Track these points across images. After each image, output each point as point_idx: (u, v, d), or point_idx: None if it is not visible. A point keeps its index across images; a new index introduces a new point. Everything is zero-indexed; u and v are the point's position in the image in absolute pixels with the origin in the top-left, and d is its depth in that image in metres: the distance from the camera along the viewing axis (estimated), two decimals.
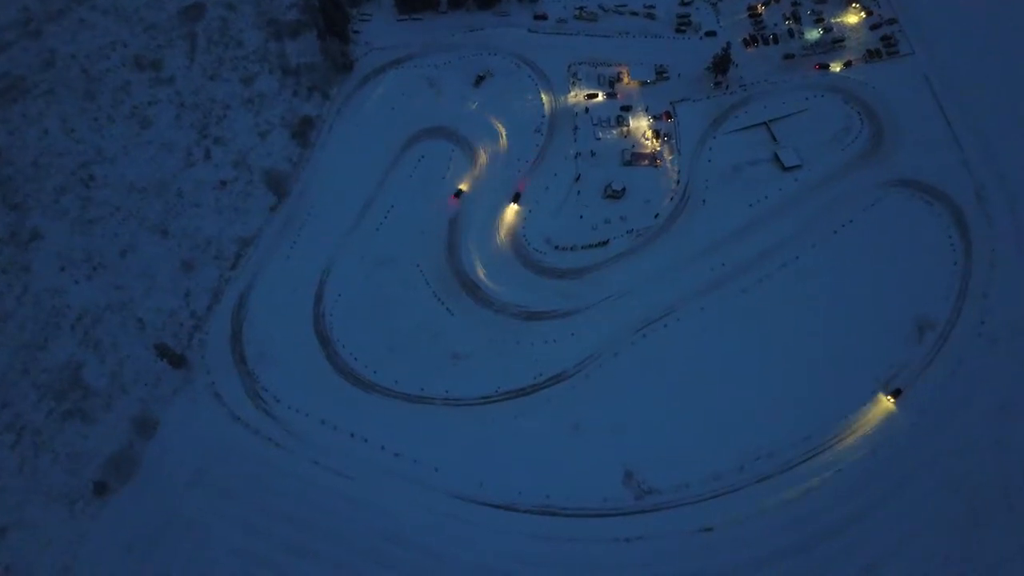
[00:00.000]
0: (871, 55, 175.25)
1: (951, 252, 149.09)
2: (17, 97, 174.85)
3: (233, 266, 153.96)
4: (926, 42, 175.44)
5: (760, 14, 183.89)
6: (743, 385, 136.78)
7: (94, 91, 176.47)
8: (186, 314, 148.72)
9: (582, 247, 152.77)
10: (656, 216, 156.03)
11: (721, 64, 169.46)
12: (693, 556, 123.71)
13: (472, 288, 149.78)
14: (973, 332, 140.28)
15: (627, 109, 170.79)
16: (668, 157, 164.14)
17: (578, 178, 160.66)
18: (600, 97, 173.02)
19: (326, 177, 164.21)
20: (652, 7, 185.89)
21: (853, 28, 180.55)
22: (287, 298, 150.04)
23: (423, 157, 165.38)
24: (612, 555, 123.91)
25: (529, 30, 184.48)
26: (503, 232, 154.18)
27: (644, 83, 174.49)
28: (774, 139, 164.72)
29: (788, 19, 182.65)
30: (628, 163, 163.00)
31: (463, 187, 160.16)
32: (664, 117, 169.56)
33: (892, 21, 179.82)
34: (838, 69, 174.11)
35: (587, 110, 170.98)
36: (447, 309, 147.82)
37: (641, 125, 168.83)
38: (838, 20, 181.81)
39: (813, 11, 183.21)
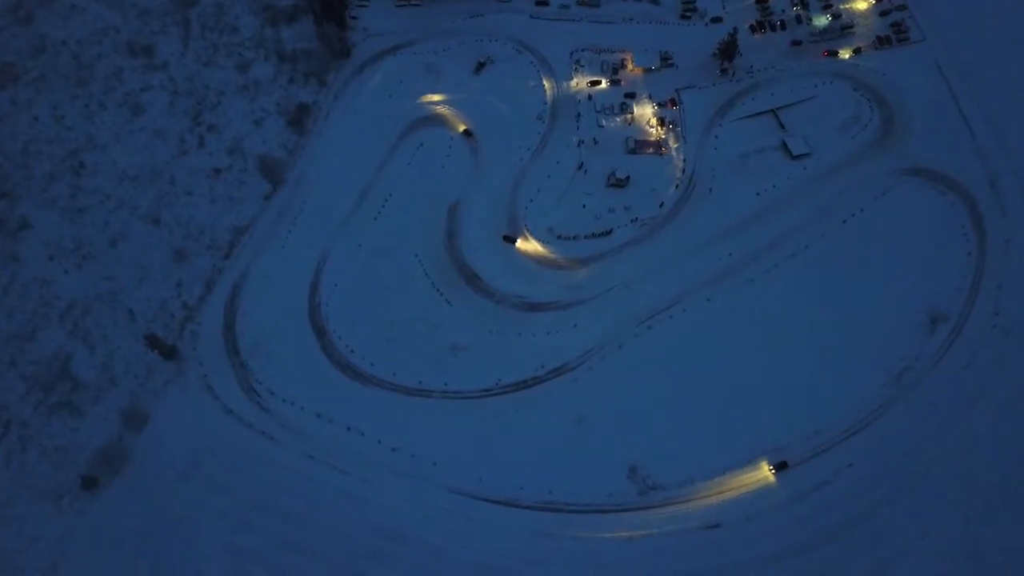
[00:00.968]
0: (881, 42, 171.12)
1: (964, 242, 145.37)
2: (7, 84, 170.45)
3: (227, 255, 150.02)
4: (937, 28, 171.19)
5: (767, 0, 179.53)
6: (751, 378, 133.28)
7: (85, 78, 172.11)
8: (178, 305, 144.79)
9: (585, 236, 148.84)
10: (661, 205, 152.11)
11: (727, 50, 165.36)
12: (699, 554, 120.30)
13: (472, 278, 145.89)
14: (987, 324, 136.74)
15: (631, 96, 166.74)
16: (673, 145, 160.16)
17: (581, 166, 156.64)
18: (603, 84, 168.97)
19: (322, 165, 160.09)
20: None
21: (862, 14, 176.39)
22: (282, 288, 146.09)
23: (422, 145, 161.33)
24: (616, 552, 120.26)
25: (531, 16, 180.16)
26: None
27: (648, 70, 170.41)
28: (782, 127, 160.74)
29: (796, 5, 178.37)
30: (632, 151, 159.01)
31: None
32: (669, 104, 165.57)
33: (902, 7, 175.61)
34: (847, 56, 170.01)
35: (590, 97, 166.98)
36: (446, 300, 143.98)
37: (646, 112, 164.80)
38: (847, 6, 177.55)
39: None
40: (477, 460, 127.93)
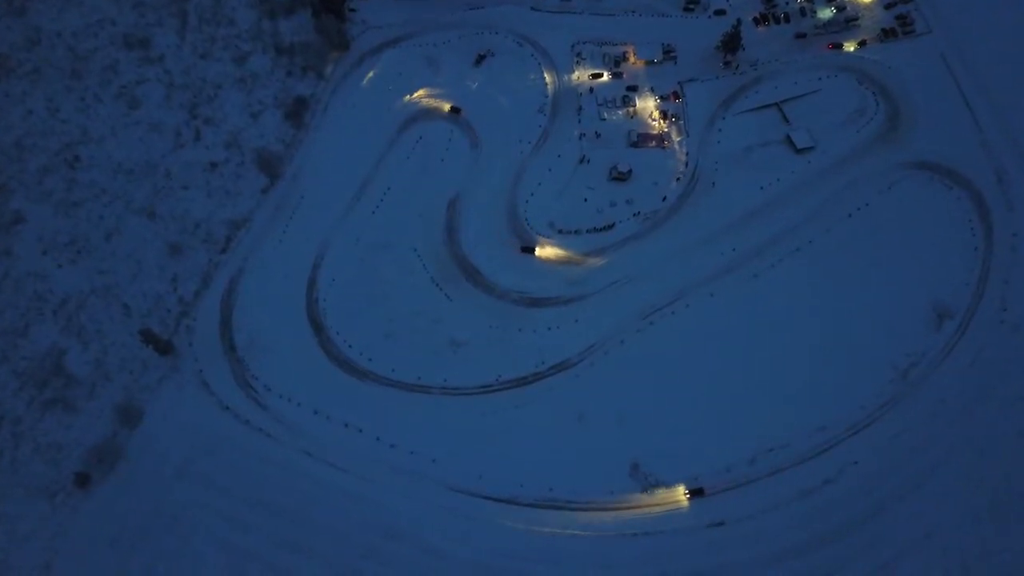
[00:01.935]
0: (886, 34, 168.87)
1: (971, 237, 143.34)
2: (0, 76, 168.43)
3: (223, 250, 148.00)
4: (943, 21, 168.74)
5: None
6: (755, 374, 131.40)
7: (81, 70, 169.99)
8: (173, 299, 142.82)
9: (587, 231, 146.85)
10: (664, 199, 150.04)
11: (731, 43, 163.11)
12: (703, 552, 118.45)
13: (472, 273, 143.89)
14: (994, 320, 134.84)
15: (633, 89, 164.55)
16: (676, 138, 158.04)
17: (583, 159, 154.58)
18: (605, 77, 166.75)
19: (321, 159, 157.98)
20: None
21: (867, 7, 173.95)
22: (279, 283, 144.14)
23: (421, 138, 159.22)
24: (618, 551, 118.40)
25: (532, 8, 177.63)
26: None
27: (651, 63, 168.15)
28: (786, 120, 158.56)
29: None
30: (635, 144, 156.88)
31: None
32: (672, 97, 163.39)
33: (907, 0, 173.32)
34: (852, 49, 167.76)
35: (592, 90, 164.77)
36: (445, 295, 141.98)
37: (648, 106, 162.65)
38: None
39: None
40: (477, 457, 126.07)
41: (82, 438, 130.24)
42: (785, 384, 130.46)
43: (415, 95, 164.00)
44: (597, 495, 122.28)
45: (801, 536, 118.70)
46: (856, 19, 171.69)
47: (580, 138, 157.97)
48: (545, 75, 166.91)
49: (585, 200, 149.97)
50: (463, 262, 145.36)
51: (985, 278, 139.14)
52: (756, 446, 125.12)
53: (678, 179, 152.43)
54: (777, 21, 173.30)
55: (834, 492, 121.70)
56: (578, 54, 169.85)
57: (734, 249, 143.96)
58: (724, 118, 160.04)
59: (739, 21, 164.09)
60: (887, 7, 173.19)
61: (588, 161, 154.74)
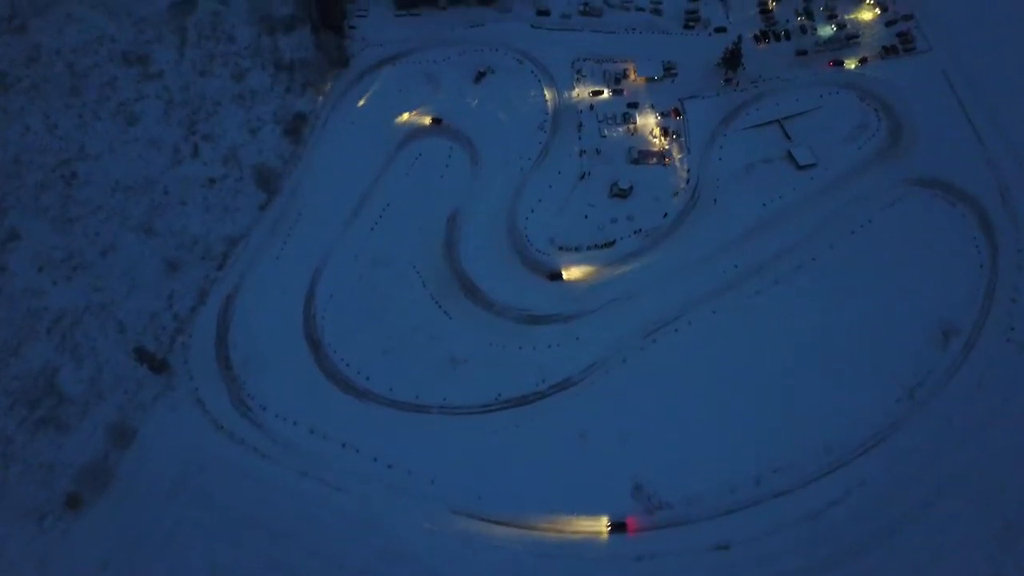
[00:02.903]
0: (887, 52, 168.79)
1: (976, 255, 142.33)
2: None
3: (220, 266, 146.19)
4: (944, 38, 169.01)
5: (771, 10, 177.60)
6: (759, 392, 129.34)
7: (79, 87, 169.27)
8: (168, 316, 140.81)
9: (587, 248, 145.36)
10: (665, 216, 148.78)
11: (732, 60, 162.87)
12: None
13: (471, 290, 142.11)
14: (1001, 338, 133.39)
15: (634, 106, 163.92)
16: (677, 155, 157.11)
17: (583, 176, 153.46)
18: (606, 94, 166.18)
19: (319, 174, 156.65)
20: (659, 3, 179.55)
21: (867, 25, 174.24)
22: (276, 300, 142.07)
23: (420, 155, 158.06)
24: (621, 575, 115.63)
25: (532, 26, 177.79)
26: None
27: (651, 79, 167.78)
28: (787, 137, 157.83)
29: (800, 15, 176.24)
30: (635, 161, 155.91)
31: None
32: (672, 114, 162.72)
33: (908, 17, 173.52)
34: (853, 66, 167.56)
35: (592, 107, 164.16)
36: (444, 312, 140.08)
37: (649, 122, 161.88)
38: (852, 16, 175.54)
39: (826, 7, 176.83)
40: (477, 478, 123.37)
41: (74, 458, 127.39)
42: (789, 403, 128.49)
43: (408, 116, 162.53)
44: (599, 516, 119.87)
45: (807, 559, 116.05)
46: (856, 37, 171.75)
47: (580, 155, 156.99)
48: (545, 92, 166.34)
49: (586, 217, 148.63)
50: (463, 279, 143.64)
51: (991, 296, 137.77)
52: (761, 466, 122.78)
53: (677, 194, 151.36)
54: (777, 39, 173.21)
55: (841, 514, 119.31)
56: (578, 71, 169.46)
57: (736, 266, 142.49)
58: (725, 135, 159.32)
59: (740, 38, 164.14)
60: (888, 25, 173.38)
61: (588, 177, 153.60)
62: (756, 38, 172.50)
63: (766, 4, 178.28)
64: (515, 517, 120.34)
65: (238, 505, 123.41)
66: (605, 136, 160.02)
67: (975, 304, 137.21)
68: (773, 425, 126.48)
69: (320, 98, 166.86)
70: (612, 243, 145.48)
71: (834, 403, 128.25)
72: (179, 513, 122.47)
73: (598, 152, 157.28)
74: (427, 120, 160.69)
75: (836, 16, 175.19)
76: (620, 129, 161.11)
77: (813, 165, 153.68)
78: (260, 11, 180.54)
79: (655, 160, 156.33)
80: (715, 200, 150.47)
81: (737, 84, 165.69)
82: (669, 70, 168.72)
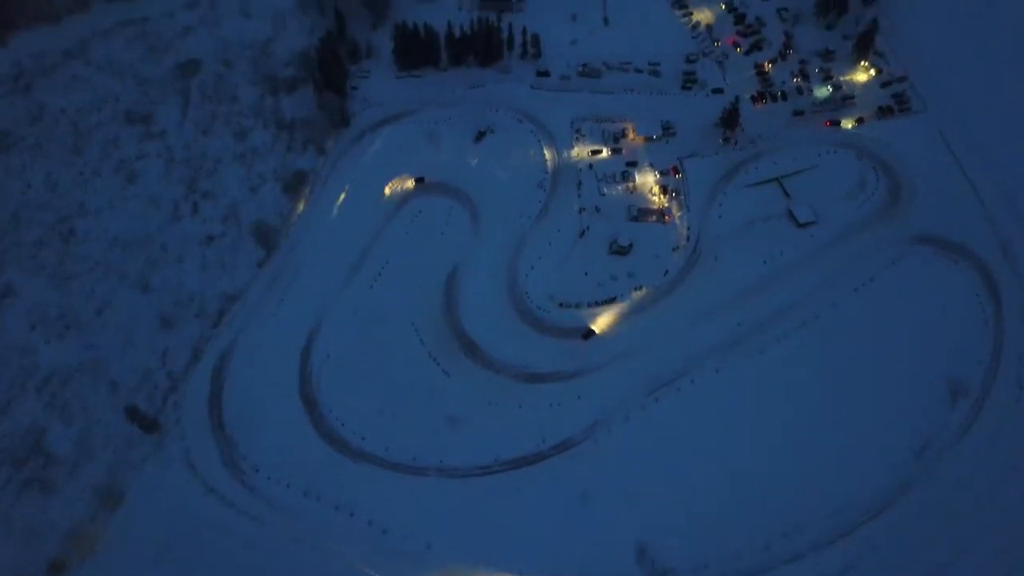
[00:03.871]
0: (883, 112, 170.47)
1: (981, 312, 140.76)
2: (0, 151, 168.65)
3: (216, 324, 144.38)
4: (938, 99, 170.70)
5: (767, 72, 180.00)
6: (765, 453, 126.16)
7: (81, 145, 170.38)
8: (162, 374, 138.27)
9: (588, 304, 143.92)
10: (666, 273, 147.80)
11: (730, 119, 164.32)
12: None
13: (470, 347, 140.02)
14: (1011, 397, 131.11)
15: (633, 165, 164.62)
16: (677, 213, 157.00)
17: (583, 233, 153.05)
18: (605, 153, 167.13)
19: (318, 232, 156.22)
20: (657, 64, 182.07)
21: (863, 86, 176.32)
22: (272, 358, 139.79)
23: (420, 212, 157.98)
24: None
25: (532, 87, 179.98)
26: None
27: (650, 139, 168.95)
28: (787, 195, 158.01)
29: (796, 77, 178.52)
30: (635, 219, 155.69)
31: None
32: (672, 173, 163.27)
33: (902, 79, 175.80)
34: (850, 126, 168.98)
35: (591, 166, 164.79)
36: (443, 370, 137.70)
37: (648, 181, 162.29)
38: (847, 78, 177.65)
39: (821, 69, 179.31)
40: (475, 542, 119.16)
41: (59, 521, 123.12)
42: (797, 464, 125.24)
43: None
44: None
45: None
46: (852, 97, 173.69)
47: (580, 212, 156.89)
48: (545, 151, 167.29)
49: (586, 273, 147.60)
50: (461, 336, 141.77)
51: (998, 354, 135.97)
52: (769, 530, 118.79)
53: (677, 251, 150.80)
54: (774, 99, 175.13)
55: None
56: (577, 130, 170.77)
57: (739, 324, 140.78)
58: (725, 193, 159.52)
59: (737, 99, 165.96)
60: (883, 86, 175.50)
61: (588, 234, 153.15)
62: (753, 99, 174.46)
63: (762, 66, 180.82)
64: None
65: (227, 571, 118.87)
66: (604, 194, 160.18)
67: (982, 361, 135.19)
68: (780, 487, 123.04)
69: (321, 156, 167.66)
70: (613, 300, 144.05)
71: (843, 463, 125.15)
72: None
73: (597, 210, 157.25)
74: (410, 182, 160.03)
75: (832, 77, 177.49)
76: (619, 187, 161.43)
77: (813, 223, 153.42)
78: (264, 72, 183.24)
79: (655, 218, 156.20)
80: (716, 257, 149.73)
81: (735, 143, 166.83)
82: (667, 130, 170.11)
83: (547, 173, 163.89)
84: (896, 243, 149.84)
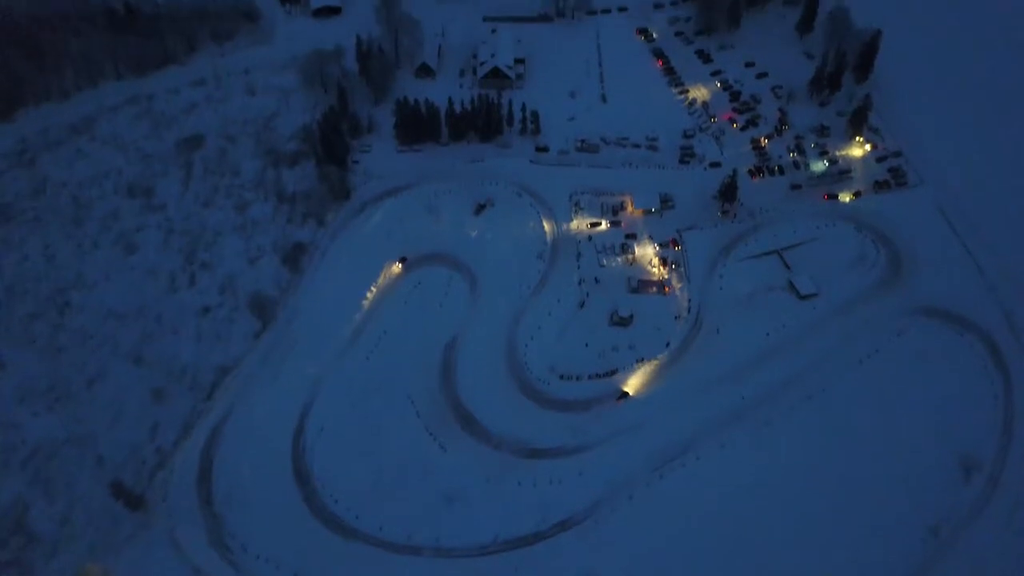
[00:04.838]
0: (880, 186, 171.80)
1: (989, 384, 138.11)
2: (0, 224, 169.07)
3: (208, 396, 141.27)
4: (934, 173, 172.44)
5: (764, 147, 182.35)
6: (774, 532, 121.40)
7: (82, 217, 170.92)
8: (151, 449, 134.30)
9: (588, 377, 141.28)
10: (667, 344, 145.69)
11: (728, 192, 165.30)
12: None
13: (468, 420, 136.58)
14: None
15: (632, 237, 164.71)
16: (677, 285, 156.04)
17: (583, 304, 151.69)
18: (604, 225, 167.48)
19: (316, 303, 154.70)
20: (655, 139, 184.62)
21: (858, 160, 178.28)
22: (264, 431, 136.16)
23: (419, 283, 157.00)
24: None
25: (531, 161, 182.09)
26: None
27: (649, 212, 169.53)
28: (787, 267, 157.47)
29: (792, 152, 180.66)
30: (635, 290, 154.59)
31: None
32: (671, 245, 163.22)
33: (897, 154, 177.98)
34: (848, 199, 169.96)
35: (591, 238, 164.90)
36: (439, 444, 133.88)
37: (647, 252, 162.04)
38: (843, 153, 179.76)
39: (817, 144, 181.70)
40: None
41: None
42: (806, 544, 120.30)
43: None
44: None
45: None
46: (849, 172, 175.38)
47: (580, 283, 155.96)
48: (544, 223, 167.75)
49: (586, 345, 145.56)
50: (459, 409, 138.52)
51: (1009, 427, 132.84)
52: None
53: (679, 317, 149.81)
54: (772, 173, 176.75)
55: None
56: (576, 203, 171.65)
57: (743, 397, 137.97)
58: (725, 265, 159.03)
59: (735, 172, 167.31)
60: (878, 160, 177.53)
61: (588, 306, 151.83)
62: (751, 172, 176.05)
63: (759, 141, 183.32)
64: None
65: None
66: (604, 266, 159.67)
67: (994, 436, 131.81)
68: (790, 568, 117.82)
69: (321, 228, 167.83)
70: (614, 372, 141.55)
71: (853, 543, 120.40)
72: None
73: (597, 281, 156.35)
74: (396, 267, 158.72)
75: (827, 152, 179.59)
76: (618, 259, 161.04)
77: (815, 295, 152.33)
78: (266, 146, 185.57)
79: (655, 289, 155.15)
80: (718, 329, 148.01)
81: (734, 216, 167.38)
82: (666, 202, 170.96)
83: (546, 244, 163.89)
84: (899, 315, 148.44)
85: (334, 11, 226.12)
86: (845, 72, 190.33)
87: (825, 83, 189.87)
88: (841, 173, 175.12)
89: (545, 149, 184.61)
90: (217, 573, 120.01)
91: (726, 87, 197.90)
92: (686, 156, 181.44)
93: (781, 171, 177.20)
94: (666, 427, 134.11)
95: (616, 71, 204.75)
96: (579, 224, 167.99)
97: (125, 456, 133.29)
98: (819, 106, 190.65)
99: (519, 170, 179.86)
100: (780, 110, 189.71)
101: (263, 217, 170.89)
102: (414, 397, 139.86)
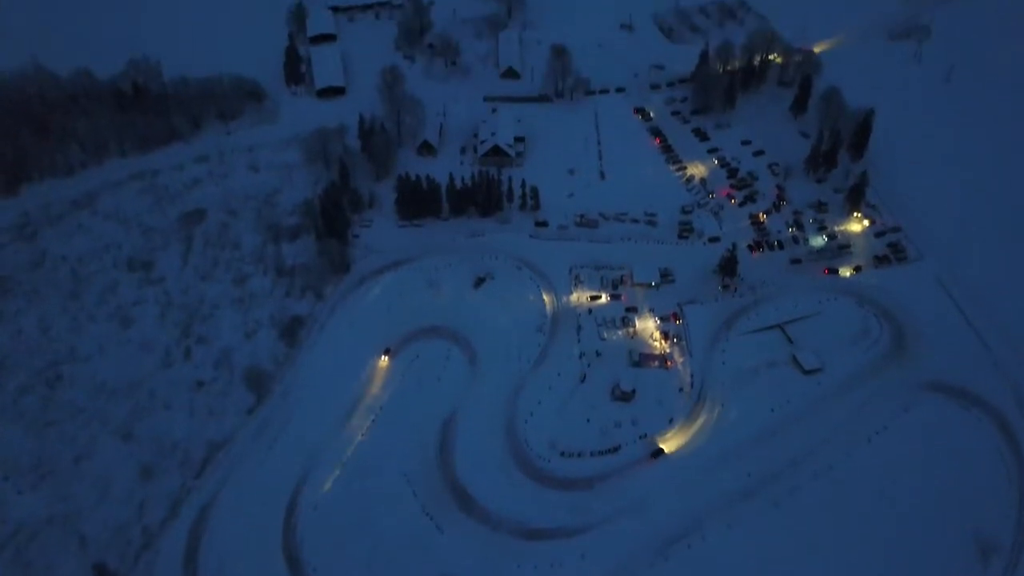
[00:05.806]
0: (880, 260, 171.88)
1: (1000, 461, 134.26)
2: None
3: (198, 474, 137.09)
4: (934, 247, 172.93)
5: (762, 222, 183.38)
6: None
7: (79, 291, 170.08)
8: (137, 529, 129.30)
9: (591, 453, 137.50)
10: (670, 420, 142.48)
11: (728, 266, 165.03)
12: None
13: (465, 500, 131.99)
14: None
15: (632, 310, 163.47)
16: (679, 359, 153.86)
17: (584, 378, 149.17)
18: (604, 299, 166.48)
19: (312, 378, 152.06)
20: (653, 215, 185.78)
21: (857, 235, 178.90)
22: (255, 510, 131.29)
23: (418, 357, 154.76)
24: None
25: (530, 236, 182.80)
26: None
27: (649, 286, 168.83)
28: (790, 341, 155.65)
29: (791, 227, 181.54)
30: (637, 364, 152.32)
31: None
32: (672, 318, 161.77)
33: (896, 229, 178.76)
34: (848, 274, 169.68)
35: (591, 311, 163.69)
36: (436, 525, 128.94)
37: (648, 326, 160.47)
38: (841, 228, 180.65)
39: (815, 219, 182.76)
40: None
41: None
42: None
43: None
44: None
45: None
46: (848, 246, 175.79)
47: (580, 357, 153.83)
48: (544, 296, 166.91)
49: (588, 420, 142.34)
50: (456, 488, 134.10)
51: None
52: None
53: (682, 389, 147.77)
54: (771, 248, 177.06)
55: None
56: (576, 277, 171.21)
57: (749, 474, 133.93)
58: (727, 339, 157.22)
59: (734, 246, 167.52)
60: (877, 235, 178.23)
61: (589, 380, 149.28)
62: (750, 247, 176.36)
63: (757, 216, 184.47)
64: None
65: None
66: (604, 339, 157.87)
67: (1010, 517, 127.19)
68: None
69: (319, 302, 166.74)
70: (617, 448, 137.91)
71: None
72: None
73: (598, 354, 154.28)
74: (383, 360, 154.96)
75: (826, 227, 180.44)
76: (619, 332, 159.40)
77: (819, 370, 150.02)
78: (267, 220, 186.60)
79: (657, 363, 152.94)
80: (722, 404, 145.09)
81: (735, 290, 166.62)
82: (666, 277, 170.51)
83: (546, 317, 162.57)
84: (906, 390, 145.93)
85: (338, 91, 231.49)
86: (840, 150, 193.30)
87: (821, 160, 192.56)
88: (841, 248, 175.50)
89: (545, 224, 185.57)
90: None
91: (723, 164, 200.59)
92: (685, 231, 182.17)
93: (780, 246, 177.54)
94: (671, 506, 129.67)
95: (614, 149, 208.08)
96: (579, 297, 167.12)
97: (110, 536, 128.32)
98: (816, 183, 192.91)
99: (519, 244, 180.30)
100: (778, 186, 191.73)
101: (261, 290, 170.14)
102: (410, 475, 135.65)
